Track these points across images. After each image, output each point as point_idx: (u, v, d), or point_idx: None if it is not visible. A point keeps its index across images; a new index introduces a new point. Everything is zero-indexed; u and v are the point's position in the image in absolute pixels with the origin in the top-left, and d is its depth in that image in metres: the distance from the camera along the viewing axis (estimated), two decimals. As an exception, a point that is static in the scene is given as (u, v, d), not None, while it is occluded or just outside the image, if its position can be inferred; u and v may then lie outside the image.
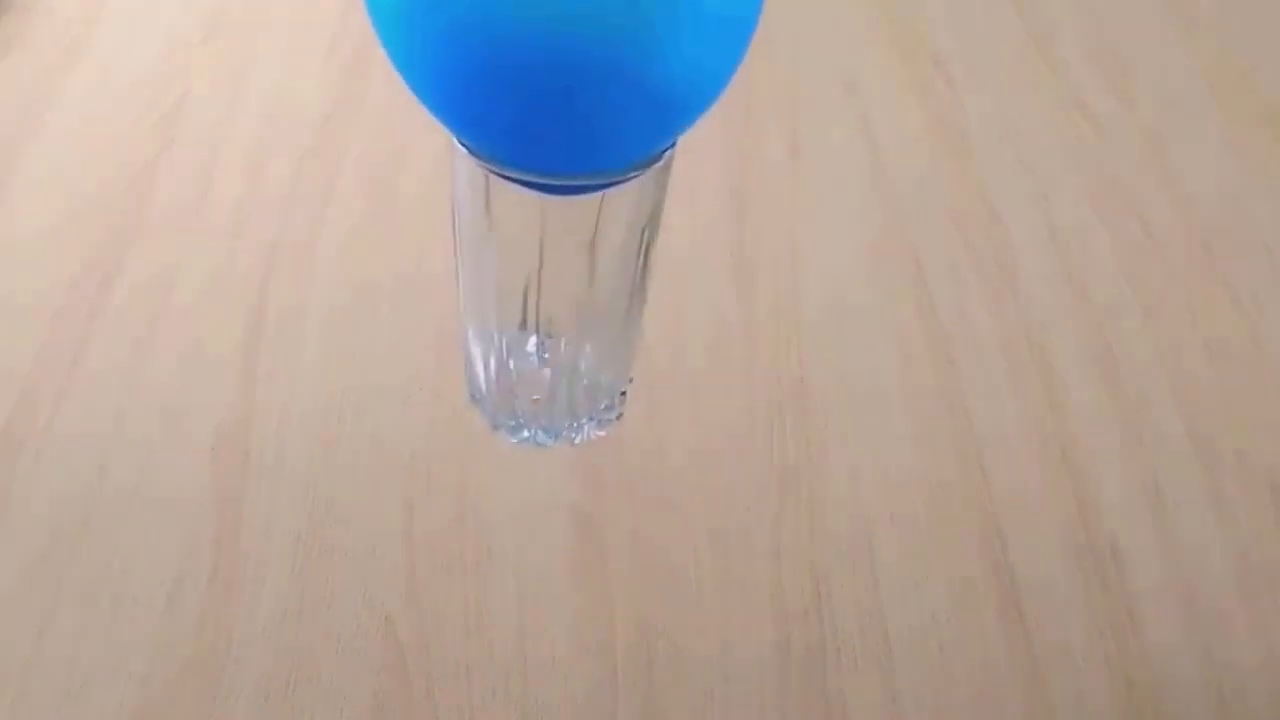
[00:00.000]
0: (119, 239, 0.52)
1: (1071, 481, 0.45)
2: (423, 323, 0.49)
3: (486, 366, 0.42)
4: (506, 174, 0.31)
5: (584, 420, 0.44)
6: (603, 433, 0.45)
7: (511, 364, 0.42)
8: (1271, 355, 0.50)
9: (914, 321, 0.50)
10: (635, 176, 0.32)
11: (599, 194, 0.33)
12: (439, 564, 0.42)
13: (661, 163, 0.33)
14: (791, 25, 0.65)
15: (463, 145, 0.32)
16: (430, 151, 0.57)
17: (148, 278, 0.51)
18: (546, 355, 0.42)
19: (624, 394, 0.45)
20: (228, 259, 0.52)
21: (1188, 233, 0.54)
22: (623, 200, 0.34)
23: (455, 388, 0.47)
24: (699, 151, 0.57)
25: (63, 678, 0.39)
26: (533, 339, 0.41)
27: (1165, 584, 0.42)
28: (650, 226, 0.36)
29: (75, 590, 0.41)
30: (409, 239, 0.53)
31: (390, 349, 0.48)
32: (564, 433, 0.44)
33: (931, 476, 0.45)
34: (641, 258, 0.37)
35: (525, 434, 0.44)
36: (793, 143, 0.58)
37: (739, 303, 0.51)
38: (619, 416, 0.45)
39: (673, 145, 0.33)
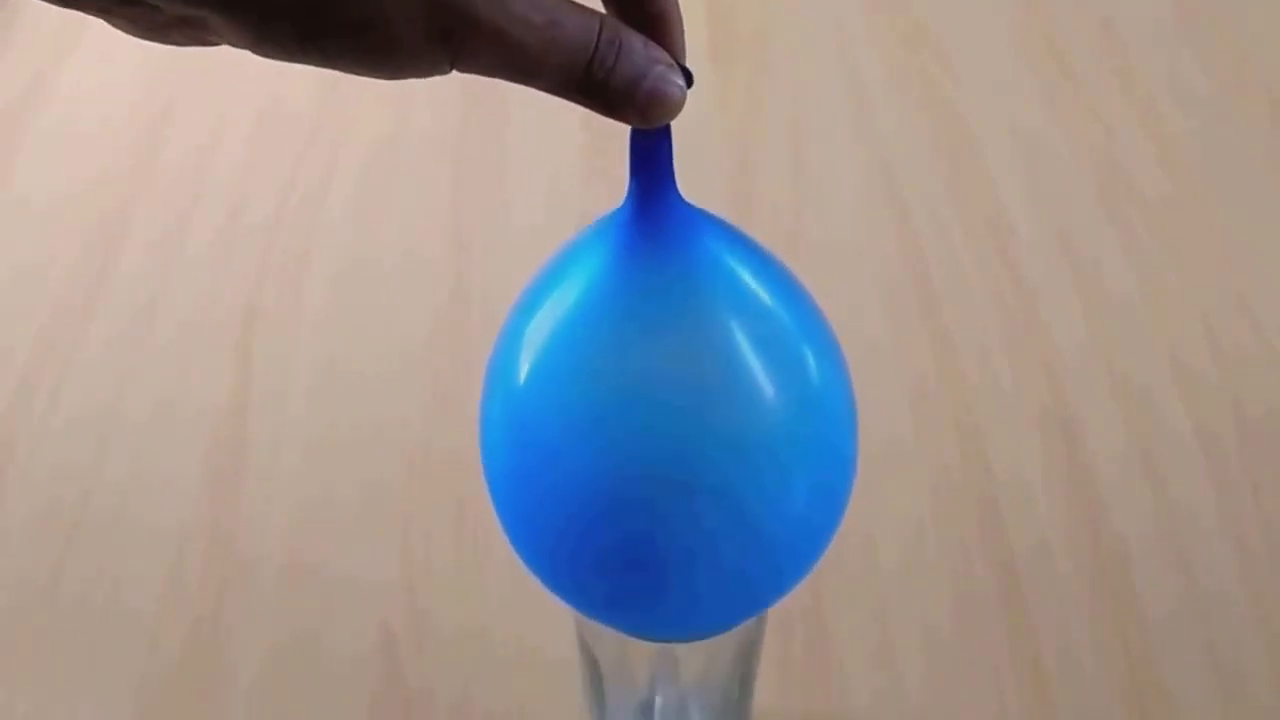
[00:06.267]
0: (116, 238, 0.52)
1: (1073, 481, 0.45)
2: (420, 319, 0.49)
3: None
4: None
5: None
6: None
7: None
8: (1274, 353, 0.49)
9: (917, 320, 0.50)
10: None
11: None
12: (439, 566, 0.42)
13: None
14: (794, 25, 0.64)
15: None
16: (422, 155, 0.57)
17: (144, 277, 0.51)
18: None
19: None
20: (224, 257, 0.52)
21: (1194, 231, 0.54)
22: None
23: (454, 386, 0.47)
24: (699, 152, 0.57)
25: (61, 678, 0.39)
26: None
27: (1166, 584, 0.42)
28: (745, 662, 0.34)
29: (72, 590, 0.41)
30: (406, 234, 0.53)
31: (388, 348, 0.48)
32: None
33: (934, 478, 0.45)
34: (739, 682, 0.35)
35: None
36: (793, 142, 0.58)
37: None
38: None
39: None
